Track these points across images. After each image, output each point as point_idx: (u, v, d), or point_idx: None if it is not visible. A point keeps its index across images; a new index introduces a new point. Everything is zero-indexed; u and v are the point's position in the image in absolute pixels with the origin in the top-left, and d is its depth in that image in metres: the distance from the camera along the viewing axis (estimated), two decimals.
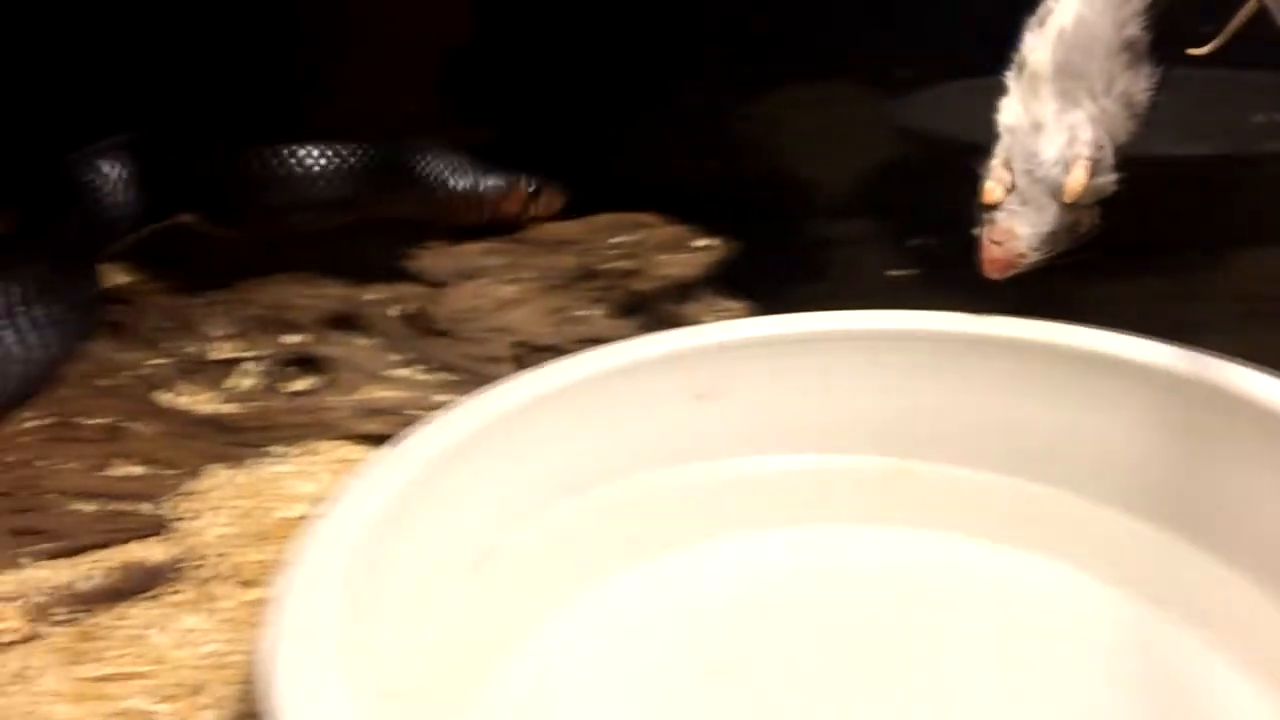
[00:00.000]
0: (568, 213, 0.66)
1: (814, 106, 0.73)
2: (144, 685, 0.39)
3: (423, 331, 0.60)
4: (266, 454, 0.51)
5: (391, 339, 0.60)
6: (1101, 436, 0.45)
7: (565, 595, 0.42)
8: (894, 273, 0.68)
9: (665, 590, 0.43)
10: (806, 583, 0.44)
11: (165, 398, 0.56)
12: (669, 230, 0.64)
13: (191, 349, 0.59)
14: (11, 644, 0.42)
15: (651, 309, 0.61)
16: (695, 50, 0.72)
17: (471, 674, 0.39)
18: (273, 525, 0.47)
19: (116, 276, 0.68)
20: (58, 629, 0.42)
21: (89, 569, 0.45)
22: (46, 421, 0.52)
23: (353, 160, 0.67)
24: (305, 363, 0.59)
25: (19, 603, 0.43)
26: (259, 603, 0.43)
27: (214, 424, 0.54)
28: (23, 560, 0.45)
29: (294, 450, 0.51)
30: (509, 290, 0.61)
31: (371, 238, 0.68)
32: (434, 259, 0.64)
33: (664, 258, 0.62)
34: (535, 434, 0.44)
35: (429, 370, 0.58)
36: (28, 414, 0.53)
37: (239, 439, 0.52)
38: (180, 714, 0.38)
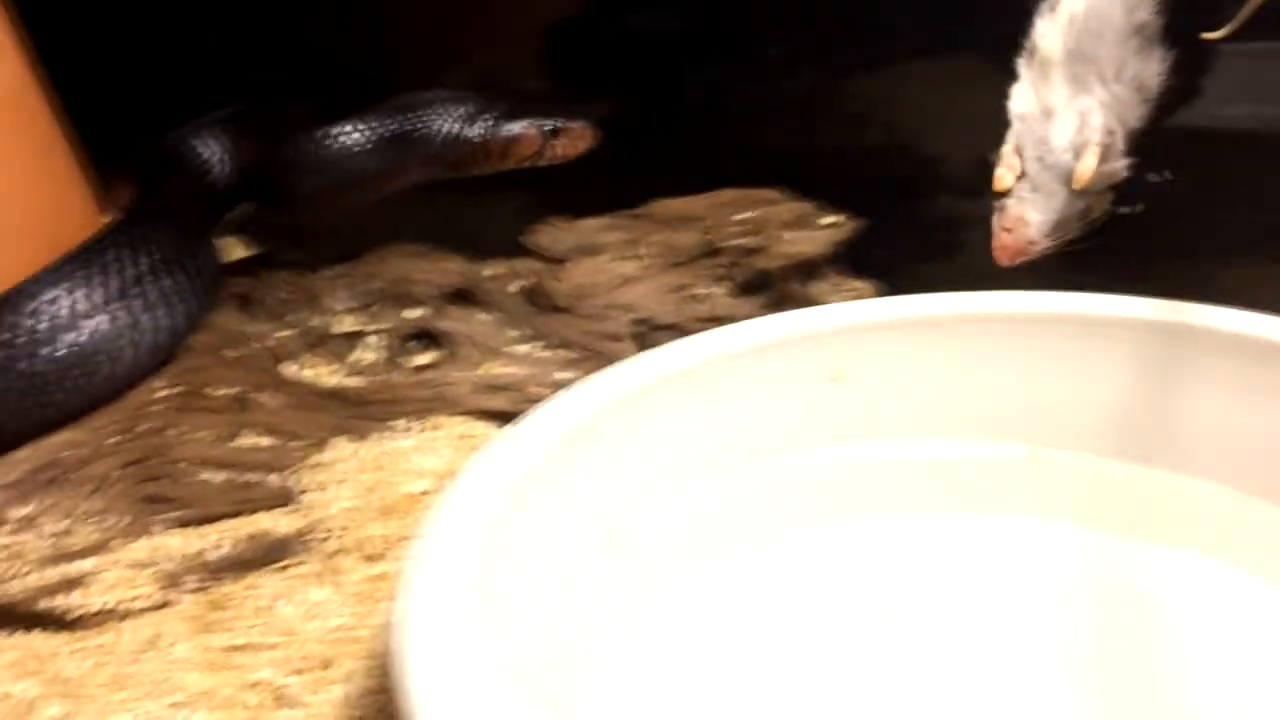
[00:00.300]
0: (689, 188, 0.64)
1: (941, 82, 0.71)
2: (273, 657, 0.39)
3: (542, 308, 0.60)
4: (390, 428, 0.51)
5: (511, 315, 0.60)
6: (1250, 426, 0.43)
7: (692, 577, 0.42)
8: None
9: (791, 574, 0.43)
10: (933, 571, 0.43)
11: (290, 370, 0.57)
12: (793, 207, 0.62)
13: (315, 322, 0.60)
14: (143, 610, 0.42)
15: (775, 287, 0.59)
16: (819, 24, 0.71)
17: (599, 653, 0.38)
18: (396, 500, 0.46)
19: (238, 249, 0.69)
20: (188, 597, 0.43)
21: (218, 538, 0.45)
22: (176, 391, 0.53)
23: (366, 132, 0.64)
24: (426, 337, 0.59)
25: (151, 570, 0.44)
26: (384, 578, 0.43)
27: (338, 397, 0.54)
28: (154, 528, 0.46)
29: (416, 425, 0.51)
30: (629, 267, 0.61)
31: (490, 213, 0.67)
32: (553, 234, 0.63)
33: (788, 235, 0.60)
34: (665, 414, 0.43)
35: (548, 347, 0.58)
36: (158, 383, 0.53)
37: (363, 412, 0.52)
38: (310, 687, 0.38)
